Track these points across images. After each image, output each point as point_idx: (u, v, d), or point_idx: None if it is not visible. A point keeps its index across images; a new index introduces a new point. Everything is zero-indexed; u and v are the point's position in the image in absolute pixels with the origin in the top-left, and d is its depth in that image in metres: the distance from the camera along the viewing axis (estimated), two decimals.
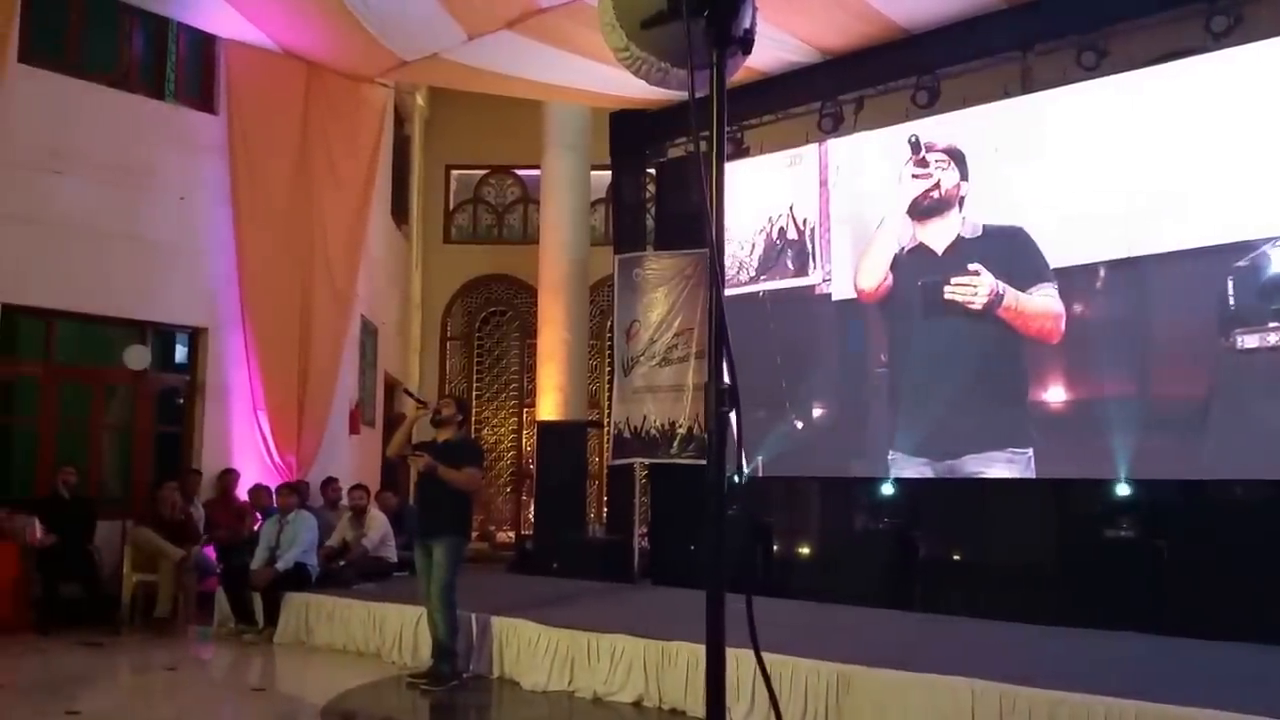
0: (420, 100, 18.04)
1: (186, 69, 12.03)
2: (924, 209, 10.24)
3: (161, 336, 11.85)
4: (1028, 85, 9.97)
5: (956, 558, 10.46)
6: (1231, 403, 8.36)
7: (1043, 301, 9.39)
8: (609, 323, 15.29)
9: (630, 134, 13.32)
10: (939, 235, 10.12)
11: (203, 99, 12.09)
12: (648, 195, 13.95)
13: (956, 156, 10.04)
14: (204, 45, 12.09)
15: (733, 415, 2.42)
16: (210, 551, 10.84)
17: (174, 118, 11.77)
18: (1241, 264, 8.33)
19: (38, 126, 10.49)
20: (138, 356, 10.68)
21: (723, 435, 2.42)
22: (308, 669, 8.50)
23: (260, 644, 9.23)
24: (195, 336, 11.91)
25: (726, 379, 2.38)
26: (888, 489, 10.45)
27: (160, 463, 11.63)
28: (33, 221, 10.38)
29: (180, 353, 12.12)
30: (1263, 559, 8.07)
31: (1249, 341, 8.27)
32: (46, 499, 10.10)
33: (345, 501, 11.14)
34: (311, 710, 6.76)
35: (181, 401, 11.93)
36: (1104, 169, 9.09)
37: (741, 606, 2.56)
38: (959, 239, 9.96)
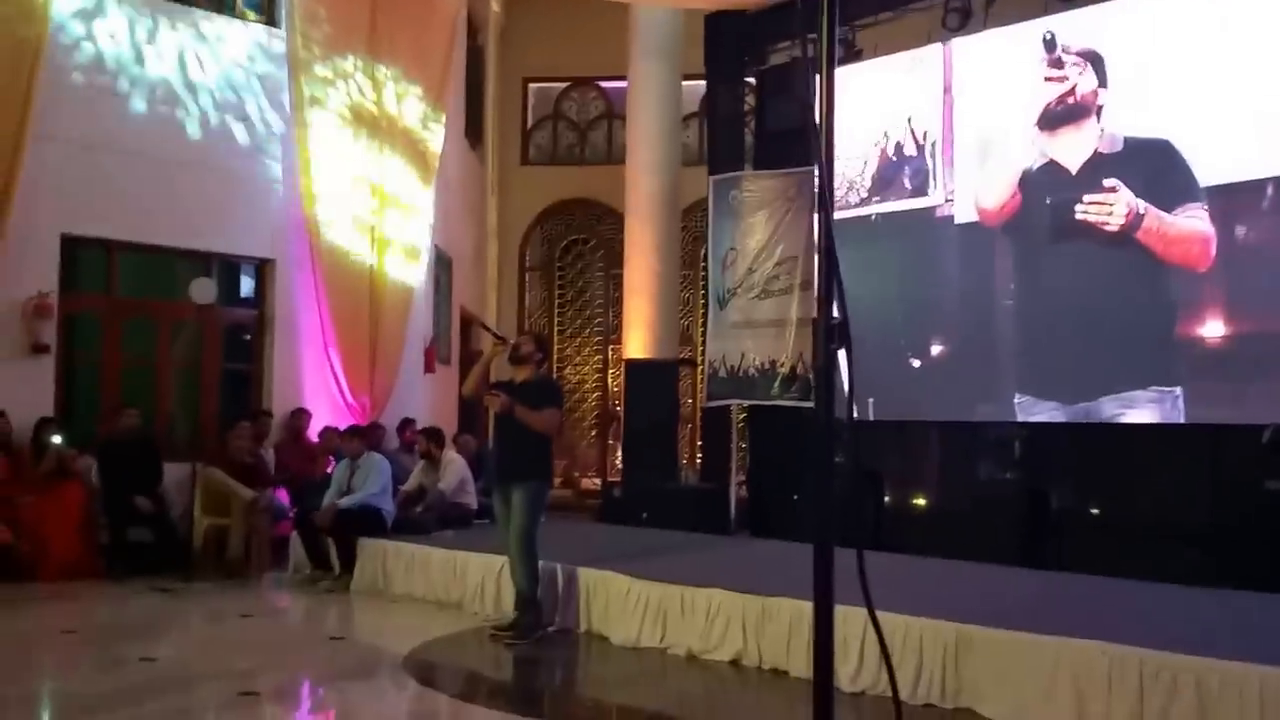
0: (495, 7, 18.04)
1: None
2: (1056, 117, 9.89)
3: (227, 268, 12.10)
4: None
5: (1094, 511, 10.13)
6: None
7: (1189, 223, 9.00)
8: (703, 251, 15.27)
9: (727, 39, 13.09)
10: (1073, 149, 9.75)
11: (266, 13, 12.24)
12: (746, 108, 13.76)
13: (1095, 60, 9.65)
14: None
15: (842, 354, 2.46)
16: (283, 494, 11.14)
17: (236, 33, 11.92)
18: None
19: (94, 46, 10.70)
20: (203, 290, 10.87)
21: (831, 376, 2.45)
22: (386, 618, 8.72)
23: (336, 591, 9.50)
24: (262, 268, 12.14)
25: (837, 313, 2.41)
26: (1015, 434, 10.30)
27: (228, 402, 11.94)
28: (91, 147, 10.62)
29: (246, 286, 12.36)
30: None
31: None
32: (109, 440, 10.43)
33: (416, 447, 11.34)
34: (393, 660, 6.91)
35: (249, 338, 12.21)
36: (1267, 72, 8.61)
37: (851, 561, 2.63)
38: (1096, 154, 9.61)
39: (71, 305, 10.85)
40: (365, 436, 10.41)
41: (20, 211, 9.98)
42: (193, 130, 11.39)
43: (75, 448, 10.09)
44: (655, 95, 14.92)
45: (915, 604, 6.11)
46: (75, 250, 10.87)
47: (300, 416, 11.97)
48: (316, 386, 12.25)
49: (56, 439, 9.90)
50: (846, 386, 2.63)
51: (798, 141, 11.75)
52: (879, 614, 2.79)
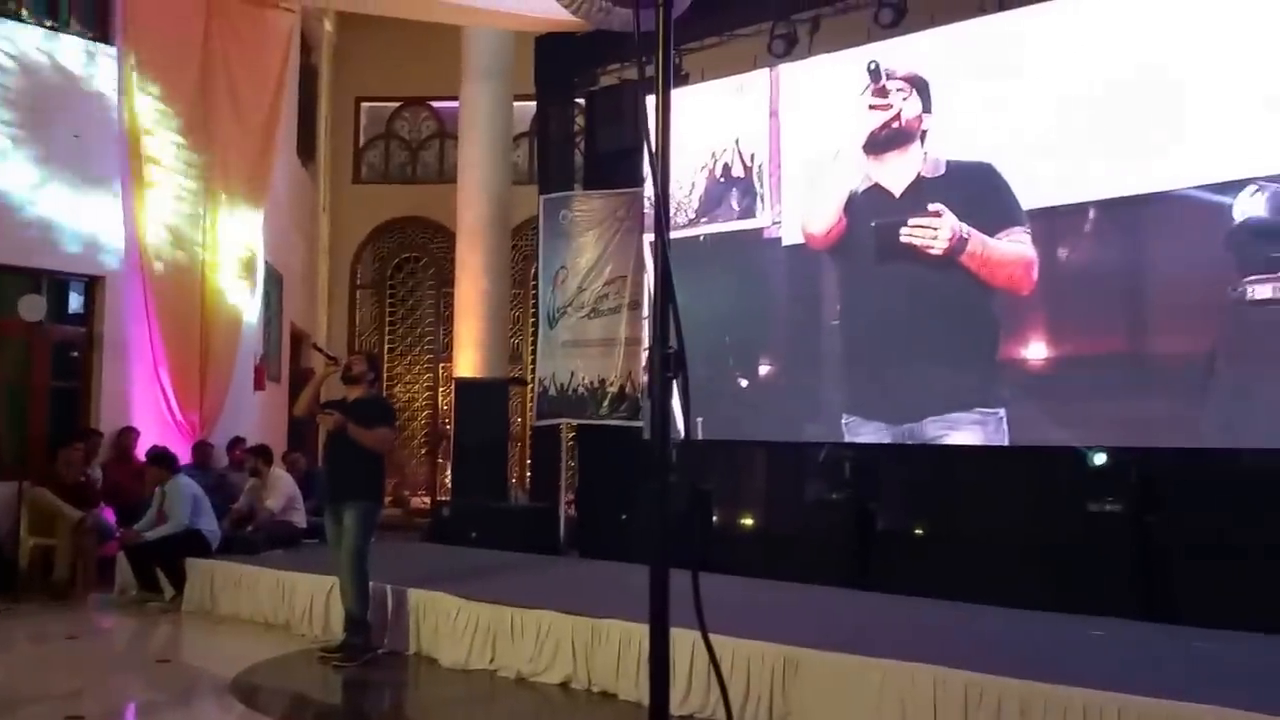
0: (329, 26, 17.83)
1: None
2: (881, 143, 9.88)
3: (57, 285, 11.68)
4: (1005, 1, 9.50)
5: (918, 532, 10.16)
6: (1239, 361, 7.93)
7: (1012, 248, 9.04)
8: (533, 270, 15.22)
9: (557, 61, 13.07)
10: (897, 174, 9.78)
11: (98, 28, 11.87)
12: (576, 129, 13.77)
13: (920, 86, 9.70)
14: None
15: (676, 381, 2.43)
16: (110, 514, 10.77)
17: (67, 48, 11.53)
18: (1252, 202, 7.87)
19: None
20: (33, 306, 10.53)
21: (666, 404, 2.42)
22: (214, 639, 8.50)
23: (164, 612, 9.27)
24: (92, 285, 11.76)
25: (673, 342, 2.38)
26: (841, 455, 10.33)
27: (55, 420, 11.52)
28: None
29: (75, 303, 11.94)
30: (1270, 539, 7.69)
31: (1261, 292, 7.81)
32: None
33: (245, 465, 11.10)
34: (219, 683, 6.74)
35: (77, 355, 11.80)
36: (1089, 97, 8.68)
37: (680, 583, 2.60)
38: (919, 178, 9.63)
39: None
40: (163, 463, 10.08)
41: None
42: (18, 145, 10.97)
43: None
44: (486, 115, 14.88)
45: (743, 626, 6.09)
46: None
47: (128, 435, 11.58)
48: (145, 404, 11.90)
49: None
50: (680, 411, 2.60)
51: (627, 162, 11.82)
52: (710, 636, 2.76)
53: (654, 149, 2.50)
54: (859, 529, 10.16)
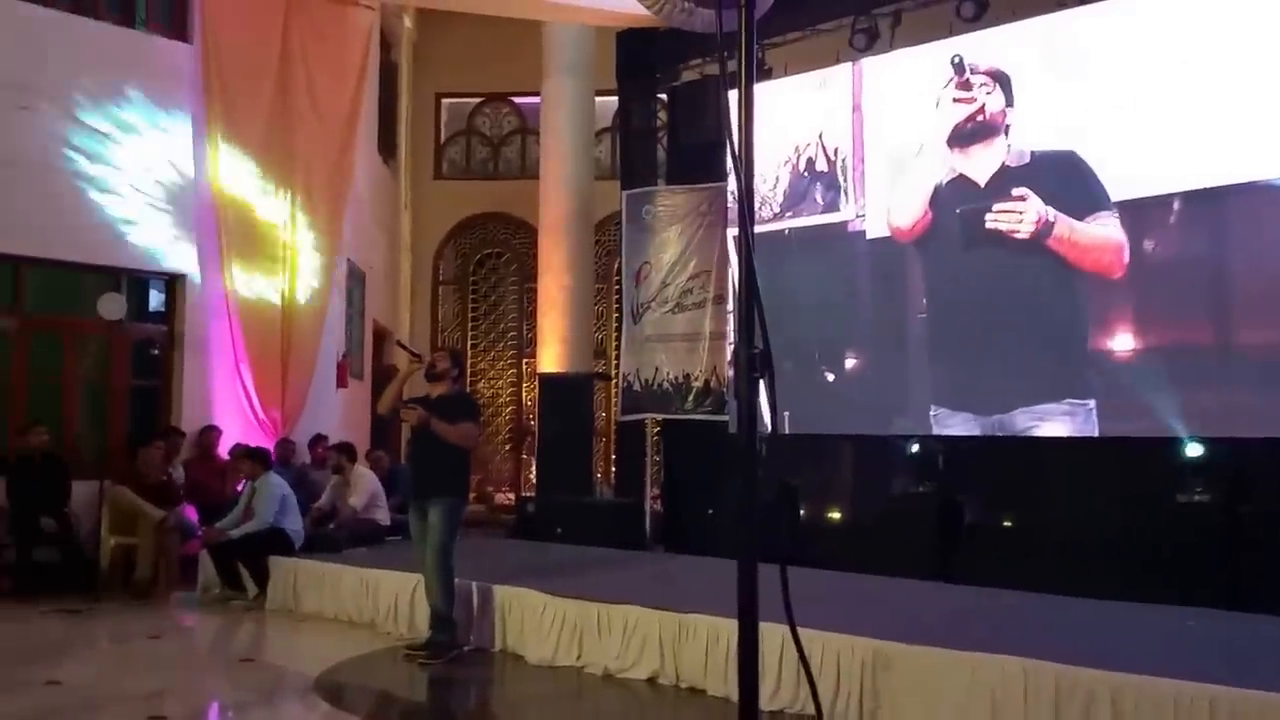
0: (408, 23, 17.90)
1: None
2: (965, 135, 9.89)
3: (137, 284, 11.82)
4: None
5: (1006, 524, 10.07)
6: None
7: (1100, 230, 8.94)
8: (616, 265, 15.25)
9: (639, 55, 13.06)
10: (982, 165, 9.75)
11: (175, 26, 11.98)
12: (659, 123, 13.77)
13: (1002, 79, 9.68)
14: None
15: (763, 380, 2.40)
16: (192, 513, 10.87)
17: (145, 47, 11.68)
18: None
19: (2, 59, 10.40)
20: (113, 305, 10.59)
21: (754, 402, 2.40)
22: (297, 638, 8.54)
23: (247, 611, 9.32)
24: (172, 283, 11.88)
25: (759, 342, 2.35)
26: (929, 448, 10.28)
27: (136, 419, 11.64)
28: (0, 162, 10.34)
29: (156, 301, 12.07)
30: None
31: None
32: (16, 459, 10.15)
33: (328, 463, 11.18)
34: (303, 682, 6.75)
35: (158, 353, 11.93)
36: (1171, 88, 8.60)
37: (769, 577, 2.57)
38: (1004, 168, 9.59)
39: None
40: (257, 458, 10.15)
41: None
42: (102, 146, 11.10)
43: None
44: (568, 110, 14.86)
45: (832, 620, 6.01)
46: None
47: (210, 434, 11.69)
48: (227, 402, 11.99)
49: None
50: (767, 408, 2.57)
51: (710, 156, 11.77)
52: (798, 630, 2.73)
53: (737, 150, 2.47)
54: (947, 521, 10.12)
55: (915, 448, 10.50)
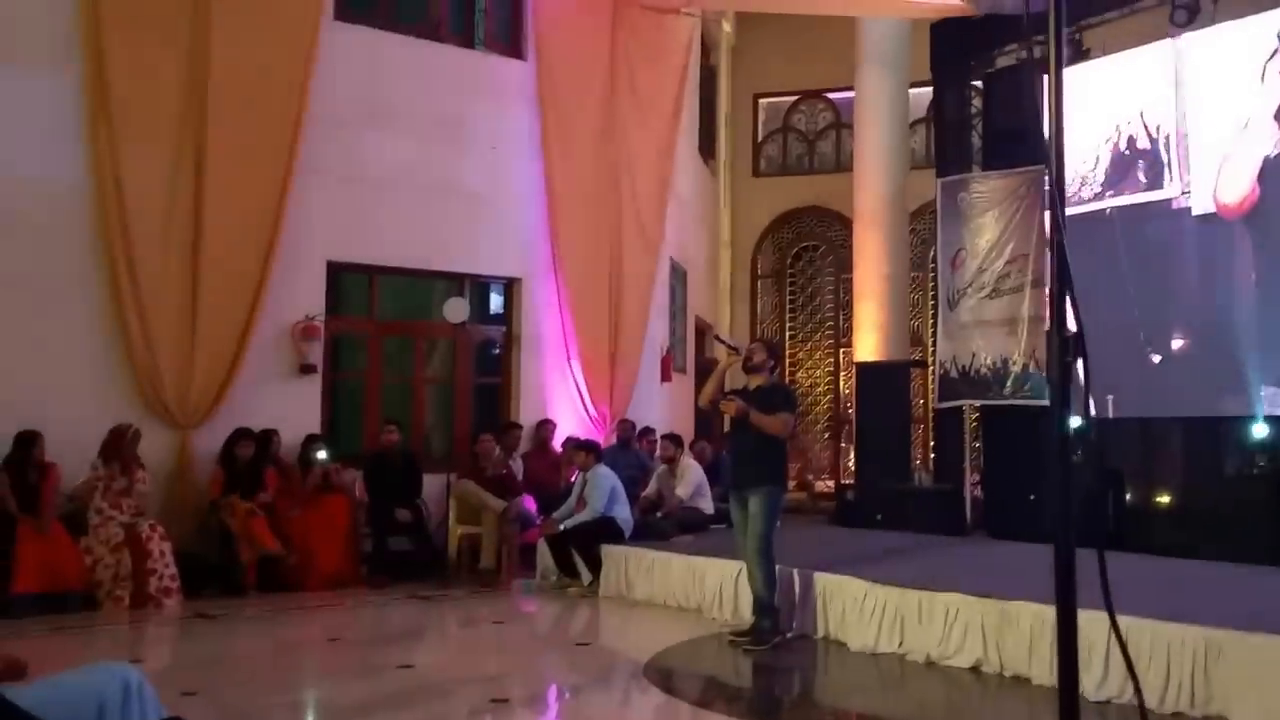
0: (727, 27, 18.06)
1: (495, 15, 12.37)
2: None
3: (478, 288, 12.32)
4: None
5: None
6: None
7: None
8: (931, 253, 15.05)
9: (954, 45, 12.89)
10: None
11: (511, 45, 12.42)
12: (973, 111, 13.46)
13: None
14: None
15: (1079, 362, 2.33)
16: (530, 503, 11.20)
17: (484, 66, 12.15)
18: None
19: (354, 83, 10.96)
20: (457, 309, 11.06)
21: (1066, 385, 2.33)
22: (629, 624, 8.71)
23: (582, 597, 9.55)
24: (510, 287, 12.32)
25: (1071, 324, 2.28)
26: (1261, 429, 9.71)
27: (480, 415, 12.11)
28: (353, 179, 10.90)
29: (495, 303, 12.58)
30: None
31: None
32: (373, 455, 10.70)
33: (659, 453, 11.33)
34: (634, 666, 6.84)
35: (498, 352, 12.41)
36: None
37: (1091, 563, 2.47)
38: None
39: (336, 327, 11.15)
40: (589, 449, 10.38)
41: (290, 240, 10.30)
42: (445, 160, 11.58)
43: (339, 461, 10.36)
44: (883, 102, 14.68)
45: (1161, 608, 5.73)
46: (339, 275, 11.20)
47: (546, 427, 12.07)
48: (560, 398, 12.36)
49: (322, 454, 10.18)
50: (1084, 391, 2.47)
51: (1026, 141, 11.43)
52: (1124, 619, 2.62)
53: (1049, 133, 2.39)
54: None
55: (1246, 429, 9.91)
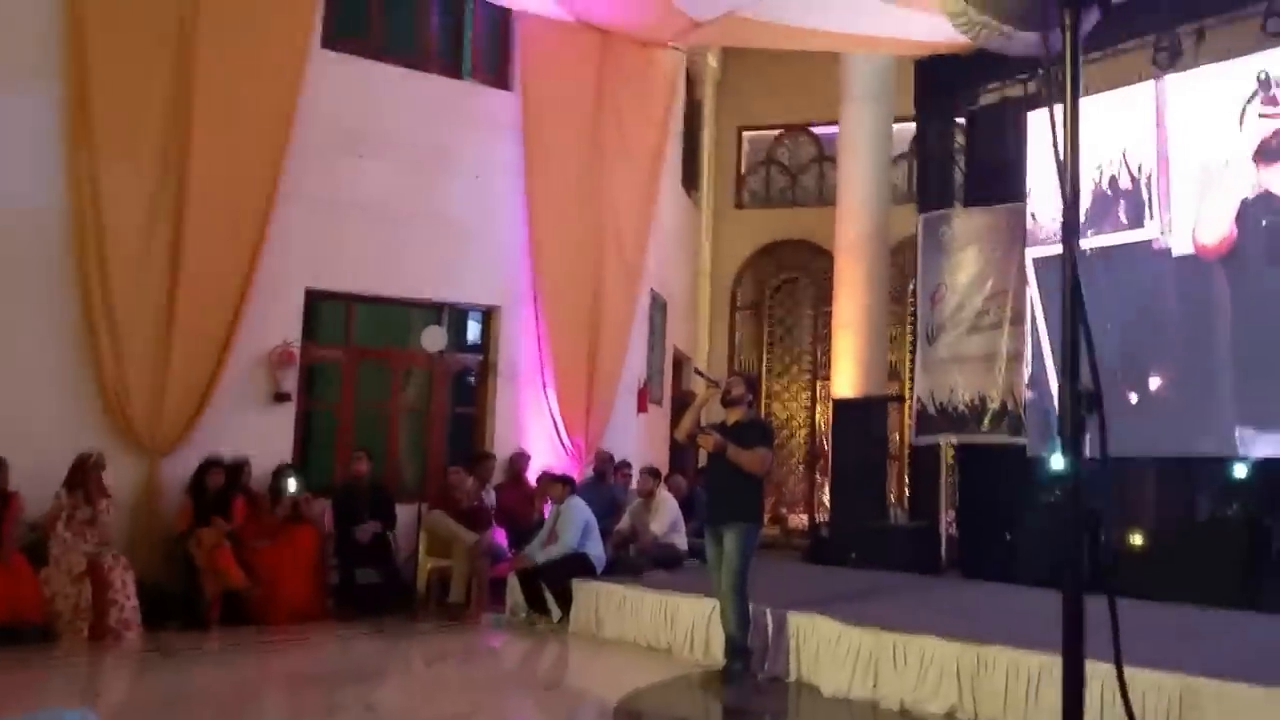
0: (712, 61, 18.01)
1: (483, 46, 12.31)
2: (1273, 151, 9.44)
3: (456, 316, 12.14)
4: None
5: None
6: None
7: None
8: (911, 287, 14.96)
9: (937, 81, 12.95)
10: None
11: (498, 76, 12.34)
12: (955, 147, 13.44)
13: None
14: (499, 21, 12.36)
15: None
16: (502, 536, 11.00)
17: (470, 96, 12.05)
18: None
19: (340, 111, 10.82)
20: (435, 337, 10.89)
21: (1079, 438, 2.22)
22: (598, 663, 8.50)
23: (552, 633, 9.35)
24: (488, 315, 12.17)
25: (1087, 378, 2.16)
26: (1236, 470, 9.68)
27: (454, 445, 11.90)
28: (334, 206, 10.76)
29: (473, 332, 12.40)
30: None
31: None
32: (343, 486, 10.48)
33: (634, 486, 11.11)
34: (603, 708, 6.71)
35: (473, 381, 12.22)
36: None
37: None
38: None
39: (311, 355, 10.96)
40: (565, 481, 10.22)
41: (268, 267, 10.14)
42: (428, 188, 11.46)
43: (310, 492, 10.11)
44: (866, 136, 14.67)
45: (1136, 653, 5.50)
46: (316, 304, 11.01)
47: (520, 459, 11.85)
48: (535, 428, 12.17)
49: (292, 484, 9.95)
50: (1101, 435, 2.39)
51: (1007, 177, 11.46)
52: (1100, 665, 2.62)
53: (1063, 169, 2.26)
54: (1255, 547, 9.46)
55: (1221, 470, 9.90)
